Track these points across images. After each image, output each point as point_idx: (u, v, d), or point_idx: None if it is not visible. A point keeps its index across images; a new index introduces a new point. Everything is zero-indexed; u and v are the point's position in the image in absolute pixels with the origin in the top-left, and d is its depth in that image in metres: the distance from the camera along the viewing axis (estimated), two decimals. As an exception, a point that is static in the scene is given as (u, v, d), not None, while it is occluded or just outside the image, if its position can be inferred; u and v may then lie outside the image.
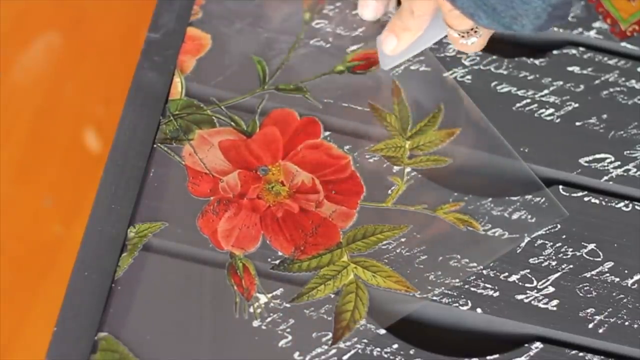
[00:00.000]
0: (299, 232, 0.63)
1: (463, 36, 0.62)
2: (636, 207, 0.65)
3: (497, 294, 0.62)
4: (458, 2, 0.58)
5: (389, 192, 0.64)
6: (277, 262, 0.62)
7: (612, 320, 0.62)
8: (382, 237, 0.63)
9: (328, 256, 0.62)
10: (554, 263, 0.63)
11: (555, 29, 0.70)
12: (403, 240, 0.63)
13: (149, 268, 0.61)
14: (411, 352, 0.60)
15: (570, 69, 0.70)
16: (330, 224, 0.63)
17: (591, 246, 0.64)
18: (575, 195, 0.65)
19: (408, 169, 0.65)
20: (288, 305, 0.61)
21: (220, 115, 0.66)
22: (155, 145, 0.64)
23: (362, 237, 0.63)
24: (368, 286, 0.61)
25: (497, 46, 0.68)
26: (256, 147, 0.65)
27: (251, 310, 0.60)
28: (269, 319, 0.60)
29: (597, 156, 0.67)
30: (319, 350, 0.60)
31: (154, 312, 0.60)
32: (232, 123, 0.66)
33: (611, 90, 0.69)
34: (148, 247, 0.61)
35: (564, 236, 0.64)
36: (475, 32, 0.62)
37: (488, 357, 0.60)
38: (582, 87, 0.69)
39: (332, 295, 0.61)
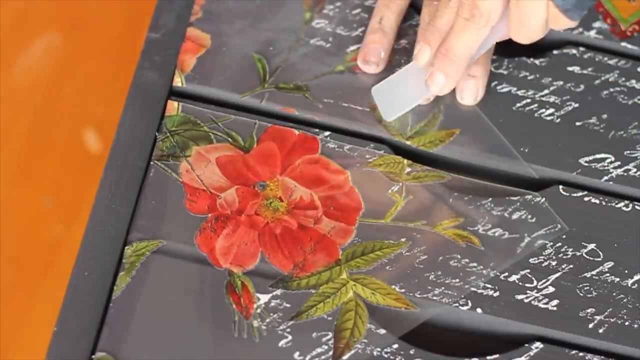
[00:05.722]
0: (297, 249, 0.62)
1: None
2: (636, 207, 0.65)
3: (497, 294, 0.62)
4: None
5: (388, 208, 0.64)
6: (276, 279, 0.61)
7: (612, 320, 0.62)
8: (382, 254, 0.62)
9: (327, 273, 0.61)
10: (554, 263, 0.63)
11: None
12: (403, 255, 0.62)
13: (147, 286, 0.60)
14: (411, 352, 0.60)
15: (570, 68, 0.69)
16: (329, 241, 0.62)
17: (591, 246, 0.64)
18: (575, 195, 0.65)
19: (407, 185, 0.65)
20: (289, 305, 0.60)
21: (217, 131, 0.65)
22: (152, 163, 0.64)
23: (362, 254, 0.62)
24: (367, 304, 0.61)
25: (497, 46, 0.68)
26: (254, 163, 0.64)
27: (255, 324, 0.59)
28: (269, 319, 0.60)
29: (597, 156, 0.67)
30: (319, 350, 0.59)
31: (152, 330, 0.59)
32: (229, 139, 0.65)
33: (611, 90, 0.69)
34: (146, 265, 0.61)
35: (564, 236, 0.64)
36: None
37: (488, 357, 0.60)
38: (582, 87, 0.69)
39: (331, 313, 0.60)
